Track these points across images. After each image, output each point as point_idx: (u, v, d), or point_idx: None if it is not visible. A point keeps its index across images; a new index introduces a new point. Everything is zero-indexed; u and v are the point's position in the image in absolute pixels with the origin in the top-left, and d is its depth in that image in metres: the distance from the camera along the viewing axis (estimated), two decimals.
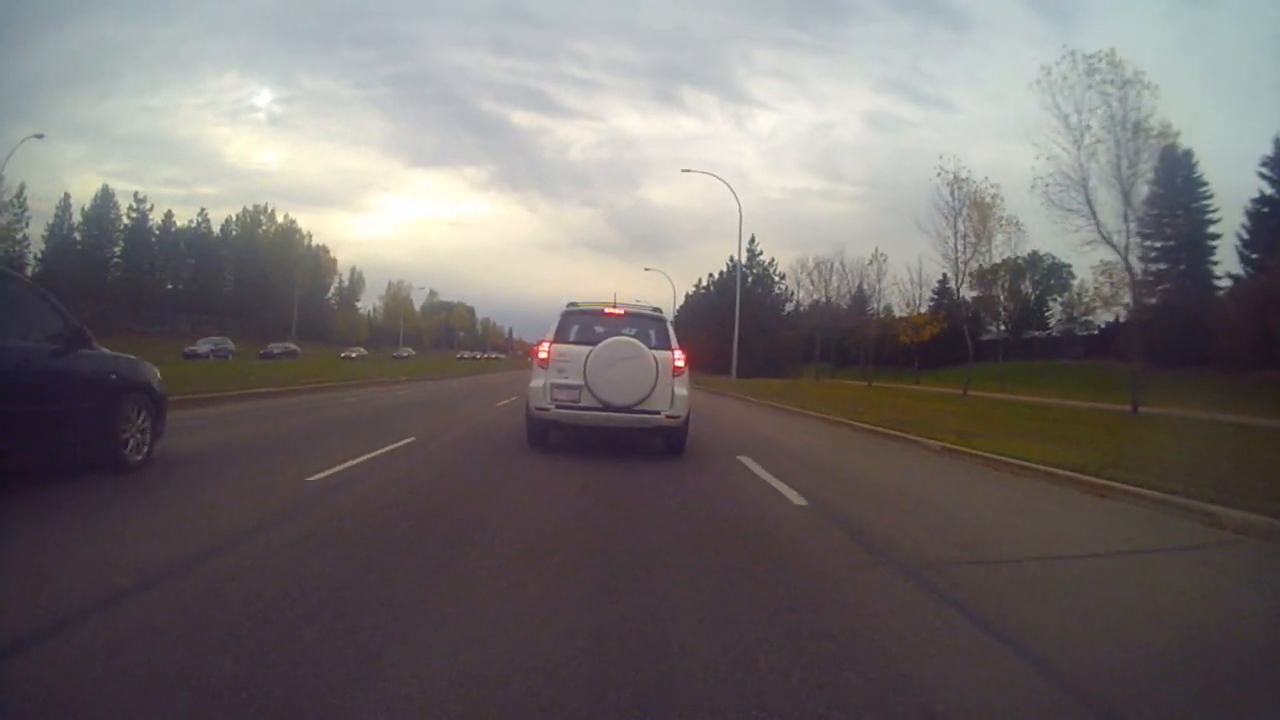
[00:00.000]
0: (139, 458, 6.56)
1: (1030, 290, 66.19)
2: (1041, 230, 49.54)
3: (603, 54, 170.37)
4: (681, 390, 8.80)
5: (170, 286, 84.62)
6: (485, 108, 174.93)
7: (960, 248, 33.72)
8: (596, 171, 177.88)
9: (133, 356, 7.06)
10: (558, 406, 8.66)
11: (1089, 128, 22.27)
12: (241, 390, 16.47)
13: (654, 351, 8.64)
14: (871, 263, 53.12)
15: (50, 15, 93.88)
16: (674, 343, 9.19)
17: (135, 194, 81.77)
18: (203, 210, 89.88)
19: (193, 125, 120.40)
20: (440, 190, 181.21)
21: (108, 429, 6.21)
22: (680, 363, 8.94)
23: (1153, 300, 40.23)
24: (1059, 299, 71.27)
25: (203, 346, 49.55)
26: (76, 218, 76.52)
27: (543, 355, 8.95)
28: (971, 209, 32.45)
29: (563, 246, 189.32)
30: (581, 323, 9.46)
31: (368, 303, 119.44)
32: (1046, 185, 23.68)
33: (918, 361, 50.27)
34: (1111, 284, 27.15)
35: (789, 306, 68.91)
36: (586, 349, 8.61)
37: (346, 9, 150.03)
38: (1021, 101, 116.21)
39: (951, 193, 33.74)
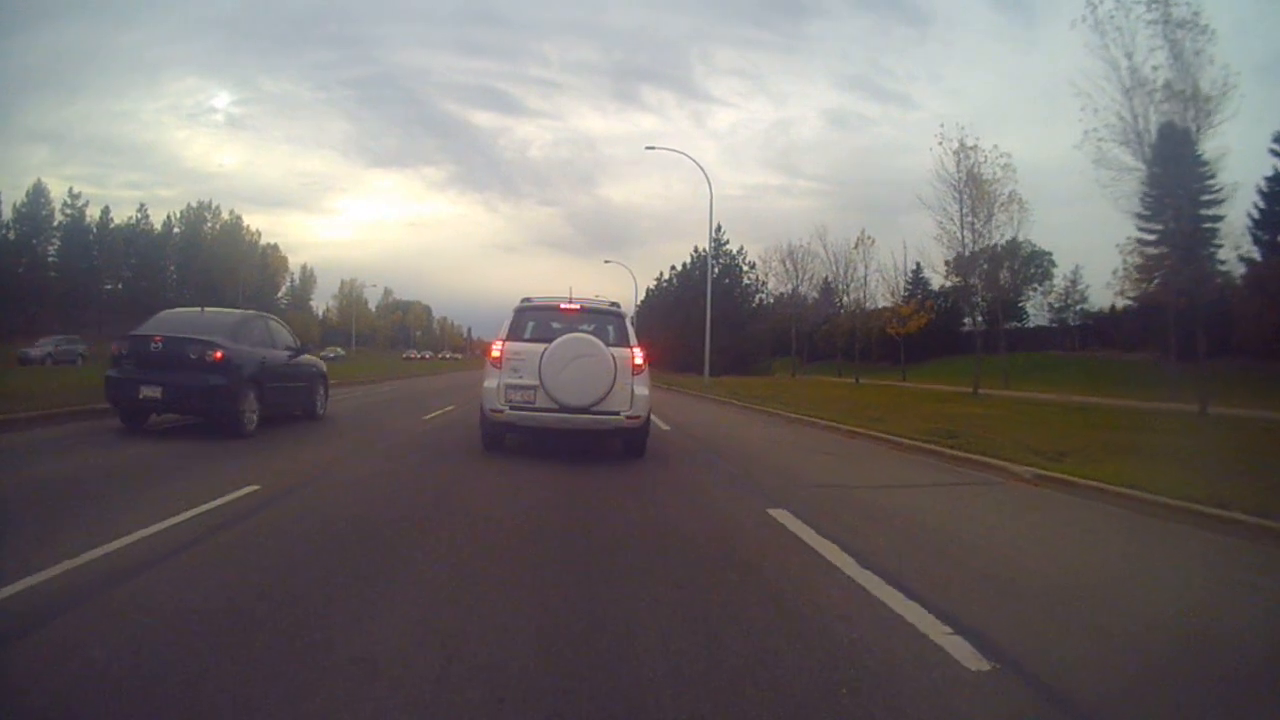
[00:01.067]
0: (322, 412, 12.95)
1: (1008, 279, 65.15)
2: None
3: (564, 54, 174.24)
4: (641, 389, 8.59)
5: (109, 286, 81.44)
6: (446, 108, 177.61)
7: (964, 227, 29.81)
8: (556, 171, 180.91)
9: (319, 359, 14.07)
10: (512, 408, 8.41)
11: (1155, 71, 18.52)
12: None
13: (611, 349, 8.41)
14: (857, 246, 48.85)
15: (10, 21, 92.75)
16: (633, 339, 9.01)
17: (70, 189, 78.59)
18: (142, 206, 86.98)
19: (153, 129, 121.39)
20: (399, 191, 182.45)
21: (311, 396, 12.57)
22: (639, 360, 8.70)
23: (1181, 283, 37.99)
24: (1038, 288, 70.52)
25: (40, 349, 38.66)
26: (8, 213, 72.96)
27: (495, 354, 8.68)
28: (969, 184, 29.19)
29: (523, 245, 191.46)
30: (536, 319, 9.30)
31: (322, 302, 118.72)
32: (1099, 139, 19.61)
33: (904, 355, 48.12)
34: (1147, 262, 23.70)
35: (758, 298, 66.58)
36: (541, 347, 8.39)
37: (309, 12, 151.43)
38: (980, 95, 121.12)
39: (957, 163, 29.38)
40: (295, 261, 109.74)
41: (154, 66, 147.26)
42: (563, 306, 9.33)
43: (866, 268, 48.07)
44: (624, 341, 8.89)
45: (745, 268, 67.05)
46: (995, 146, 31.84)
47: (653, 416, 9.78)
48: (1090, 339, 57.41)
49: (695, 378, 36.18)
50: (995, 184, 29.03)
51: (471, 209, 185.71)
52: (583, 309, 9.36)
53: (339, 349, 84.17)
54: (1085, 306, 62.96)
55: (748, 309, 64.39)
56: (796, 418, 16.16)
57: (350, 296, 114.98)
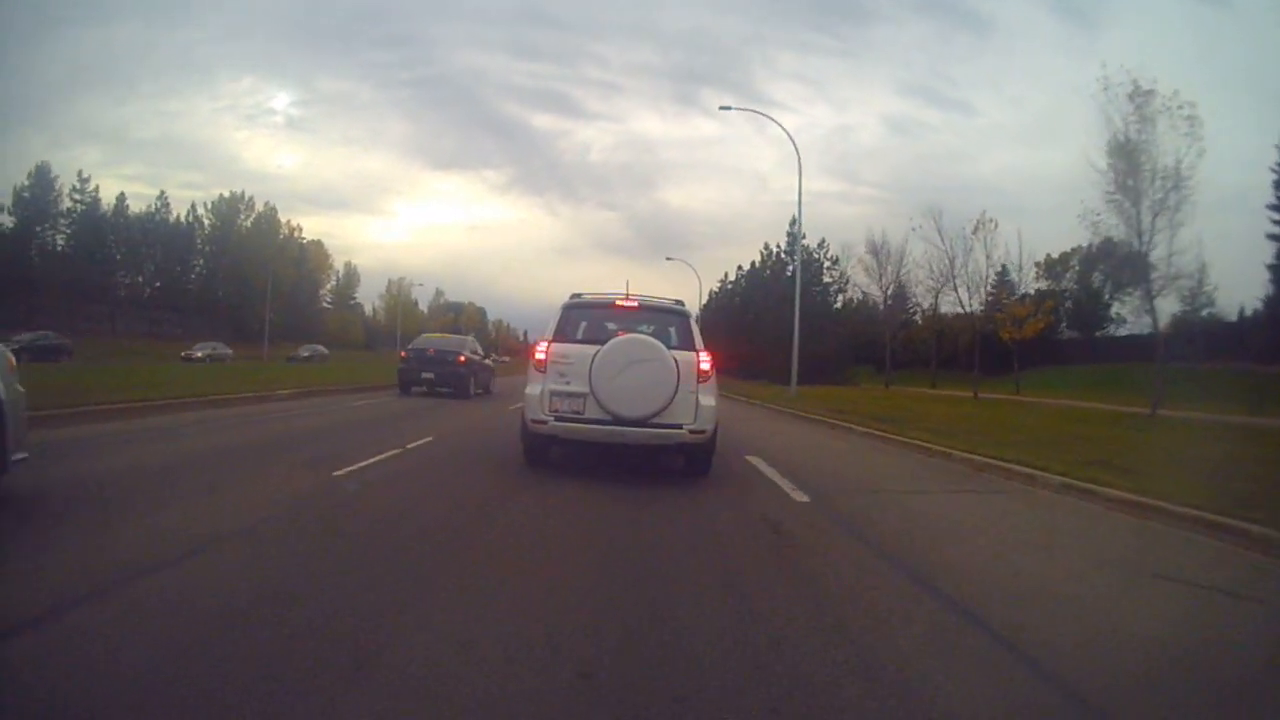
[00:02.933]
0: (479, 392, 21.50)
1: (1100, 282, 58.53)
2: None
3: (623, 57, 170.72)
4: (708, 399, 7.60)
5: (125, 278, 78.16)
6: (505, 110, 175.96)
7: (1149, 193, 21.43)
8: (615, 174, 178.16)
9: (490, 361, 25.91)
10: (557, 419, 7.52)
11: None
12: None
13: (674, 352, 7.46)
14: (977, 230, 39.00)
15: (64, 20, 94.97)
16: (698, 342, 8.04)
17: (79, 173, 74.43)
18: (162, 194, 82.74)
19: (211, 129, 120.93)
20: (459, 193, 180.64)
21: (483, 382, 22.43)
22: (706, 366, 7.68)
23: None
24: (1133, 293, 64.32)
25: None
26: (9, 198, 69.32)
27: (539, 356, 7.80)
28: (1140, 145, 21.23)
29: (581, 249, 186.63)
30: (588, 317, 8.86)
31: (369, 302, 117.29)
32: None
33: (1017, 363, 40.83)
34: None
35: (839, 298, 59.39)
36: (593, 349, 7.47)
37: (367, 12, 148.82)
38: (1042, 104, 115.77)
39: (1139, 112, 21.44)
40: (355, 262, 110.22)
41: (210, 66, 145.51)
42: (618, 303, 8.59)
43: (989, 257, 39.04)
44: (688, 344, 7.98)
45: (825, 262, 58.28)
46: (1176, 91, 21.48)
47: (762, 466, 8.99)
48: (1219, 348, 50.03)
49: (768, 387, 31.20)
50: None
51: (532, 212, 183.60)
52: (641, 307, 8.65)
53: (319, 347, 70.31)
54: (1214, 310, 56.20)
55: (829, 310, 56.40)
56: (974, 457, 10.14)
57: (398, 296, 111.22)
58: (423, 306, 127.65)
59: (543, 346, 7.85)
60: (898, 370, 60.65)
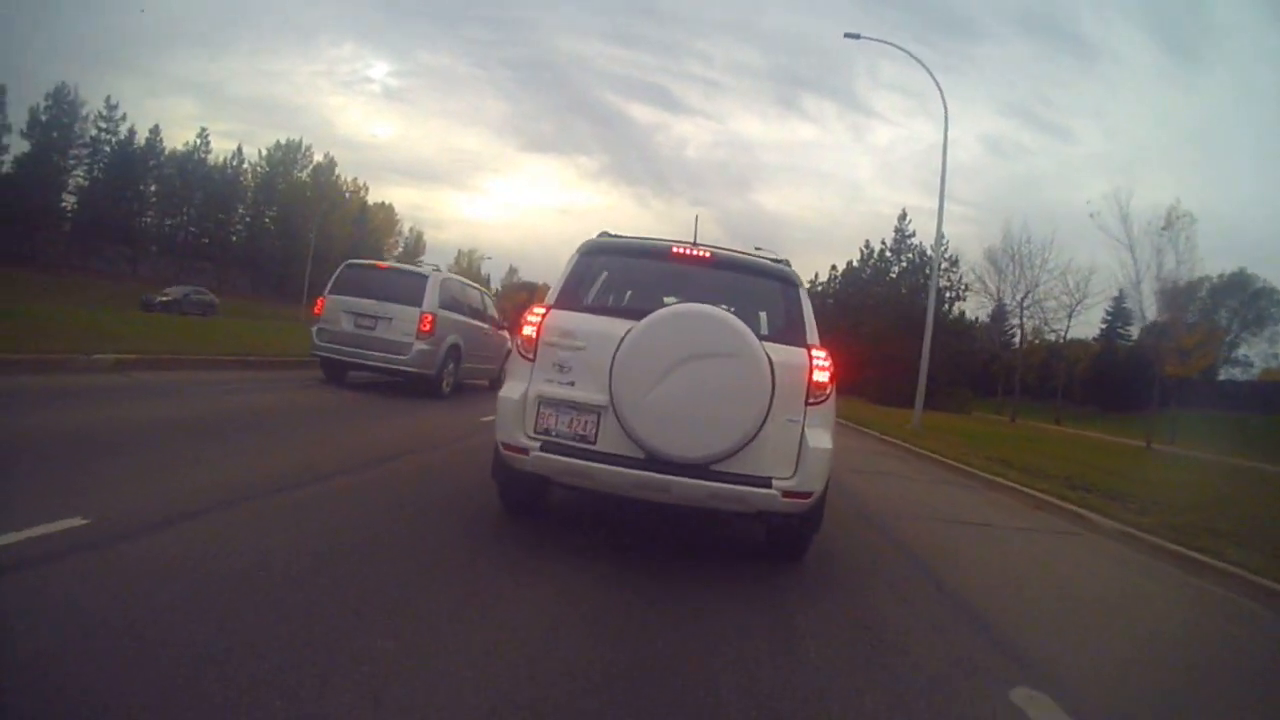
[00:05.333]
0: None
1: (1228, 320, 51.44)
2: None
3: (726, 55, 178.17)
4: (821, 435, 4.54)
5: (151, 221, 74.77)
6: (603, 98, 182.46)
7: None
8: (711, 171, 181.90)
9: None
10: (547, 445, 4.50)
11: None
12: None
13: (768, 345, 4.43)
14: (1167, 226, 29.27)
15: None
16: (812, 333, 4.85)
17: (107, 99, 71.05)
18: (203, 131, 79.85)
19: (306, 93, 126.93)
20: (551, 177, 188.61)
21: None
22: (823, 375, 4.62)
23: None
24: (1260, 334, 58.58)
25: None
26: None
27: (528, 331, 4.78)
28: None
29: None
30: (621, 272, 5.75)
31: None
32: None
33: (1106, 400, 34.90)
34: None
35: (958, 309, 52.38)
36: (621, 325, 4.51)
37: None
38: (1140, 134, 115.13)
39: None
40: (437, 235, 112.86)
41: (310, 29, 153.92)
42: (677, 252, 5.12)
43: (1179, 260, 29.22)
44: (794, 335, 4.78)
45: (945, 263, 48.63)
46: None
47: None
48: None
49: (873, 408, 25.36)
50: None
51: (623, 201, 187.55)
52: (716, 261, 5.12)
53: (202, 290, 48.03)
54: None
55: (950, 323, 48.39)
56: None
57: (467, 269, 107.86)
58: (496, 284, 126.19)
59: (536, 315, 4.81)
60: (995, 397, 54.58)
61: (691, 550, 5.35)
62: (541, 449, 4.49)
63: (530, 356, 4.69)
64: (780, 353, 4.52)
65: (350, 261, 12.54)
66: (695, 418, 4.29)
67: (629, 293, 5.91)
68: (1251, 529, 8.55)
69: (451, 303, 12.32)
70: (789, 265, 5.51)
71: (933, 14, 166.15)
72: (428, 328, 11.33)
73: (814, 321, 4.98)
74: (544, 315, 4.77)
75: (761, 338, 4.53)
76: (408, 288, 11.62)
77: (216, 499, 4.51)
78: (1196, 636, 5.19)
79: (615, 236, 5.58)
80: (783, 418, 4.46)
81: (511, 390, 4.69)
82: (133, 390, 8.69)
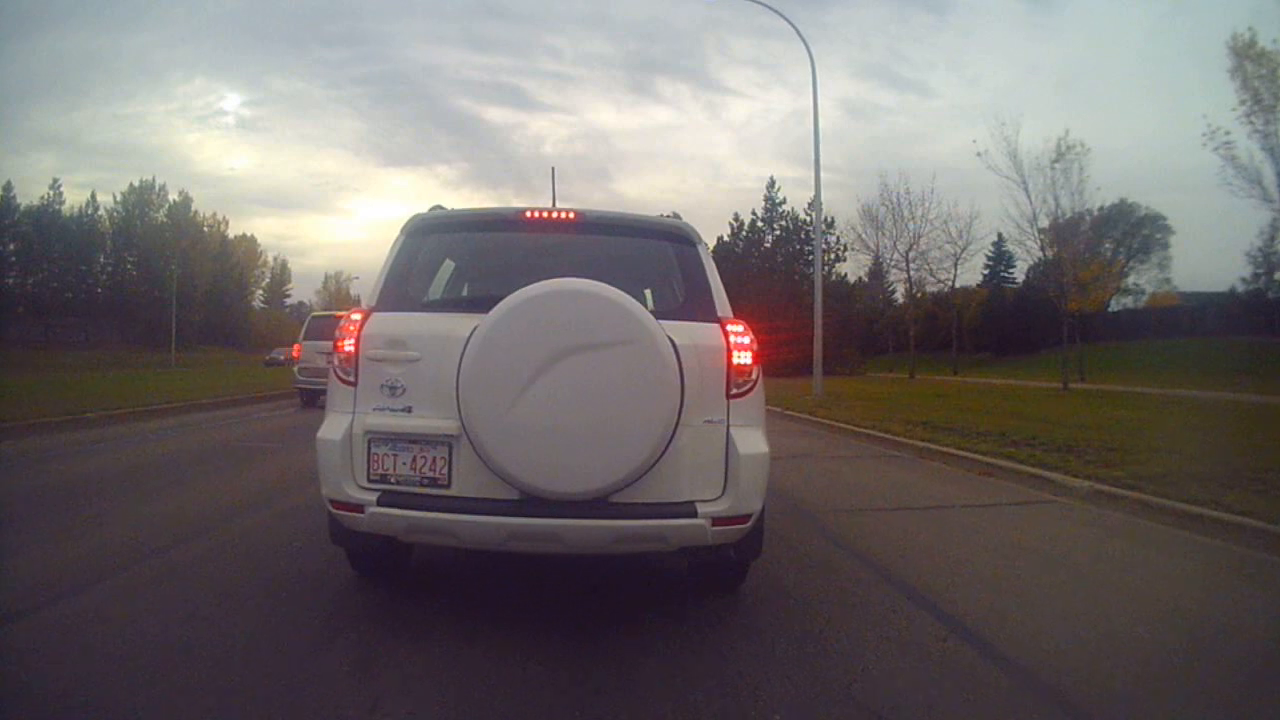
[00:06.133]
0: None
1: (1113, 250, 53.08)
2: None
3: (576, 47, 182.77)
4: (753, 439, 3.54)
5: (13, 280, 69.77)
6: (458, 104, 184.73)
7: None
8: (570, 166, 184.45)
9: None
10: (385, 497, 3.43)
11: None
12: None
13: (668, 325, 3.42)
14: (1058, 159, 27.49)
15: (14, 26, 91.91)
16: (722, 303, 3.85)
17: None
18: (55, 182, 75.79)
19: (163, 133, 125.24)
20: (413, 189, 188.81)
21: None
22: (745, 357, 3.61)
23: None
24: (1144, 260, 61.16)
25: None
26: None
27: (347, 345, 3.67)
28: None
29: None
30: (459, 251, 4.45)
31: (306, 298, 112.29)
32: None
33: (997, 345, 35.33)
34: None
35: (837, 270, 51.07)
36: (467, 322, 3.45)
37: (317, 10, 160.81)
38: (1001, 84, 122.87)
39: None
40: (304, 262, 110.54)
41: (161, 69, 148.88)
42: (530, 215, 4.02)
43: (1073, 192, 27.82)
44: (699, 307, 3.78)
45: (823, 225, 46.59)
46: None
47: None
48: (1231, 321, 46.49)
49: (798, 381, 23.78)
50: None
51: (486, 205, 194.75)
52: (584, 223, 4.04)
53: None
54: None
55: (833, 285, 46.70)
56: None
57: (335, 293, 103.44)
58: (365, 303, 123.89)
59: (352, 323, 3.67)
60: (885, 355, 55.16)
61: (597, 589, 4.27)
62: (379, 503, 3.40)
63: (350, 379, 3.59)
64: (685, 333, 3.51)
65: (314, 314, 13.58)
66: (579, 435, 3.24)
67: (473, 278, 4.62)
68: (1236, 469, 7.41)
69: None
70: (681, 219, 4.38)
71: None
72: None
73: (722, 289, 3.94)
74: (362, 320, 3.66)
75: (657, 315, 3.45)
76: None
77: None
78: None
79: (445, 210, 4.33)
80: (699, 419, 3.48)
81: (331, 428, 3.55)
82: None
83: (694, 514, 3.35)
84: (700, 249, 4.07)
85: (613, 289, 3.36)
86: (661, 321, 3.38)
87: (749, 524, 3.49)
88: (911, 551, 4.99)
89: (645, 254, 4.27)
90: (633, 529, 3.35)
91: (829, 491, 7.26)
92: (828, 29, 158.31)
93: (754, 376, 3.66)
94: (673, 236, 4.13)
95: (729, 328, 3.66)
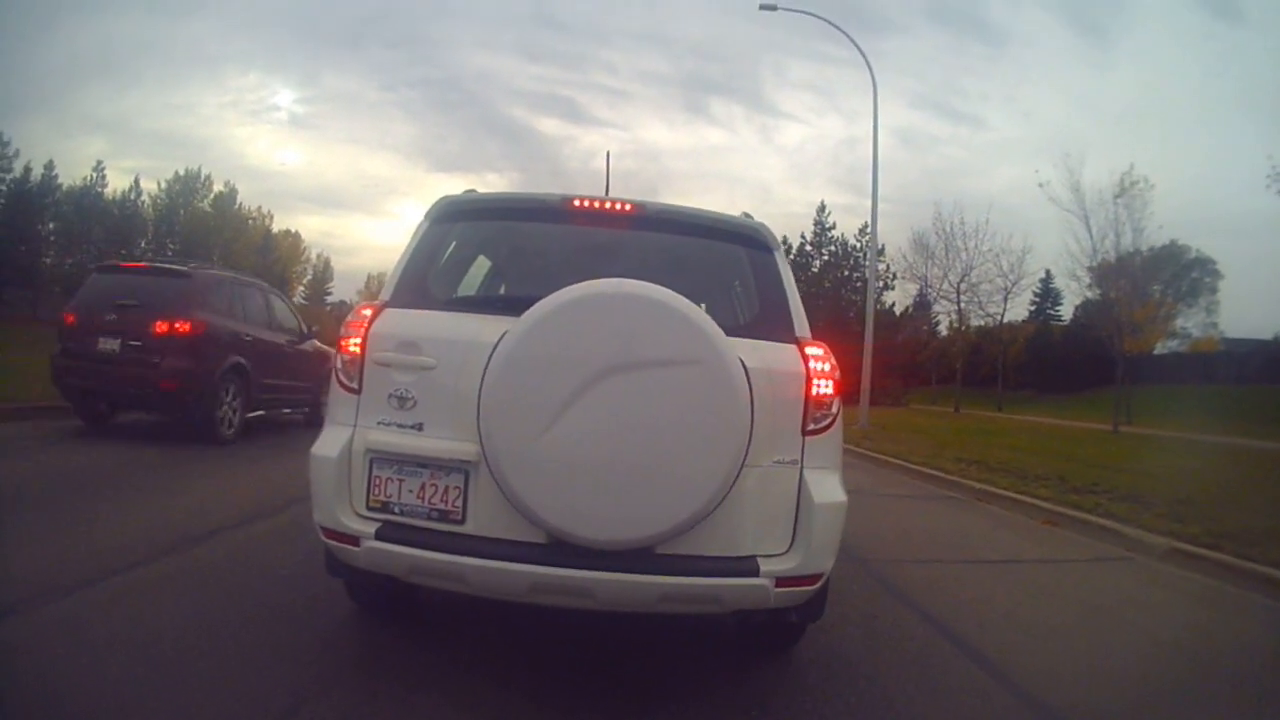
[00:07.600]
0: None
1: (1161, 293, 51.96)
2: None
3: (632, 63, 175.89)
4: (829, 485, 3.02)
5: (50, 259, 70.49)
6: (511, 113, 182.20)
7: None
8: (620, 181, 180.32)
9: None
10: (385, 533, 2.87)
11: None
12: None
13: (739, 341, 2.90)
14: (1121, 194, 26.67)
15: (71, 7, 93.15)
16: (800, 321, 3.28)
17: None
18: (99, 165, 75.54)
19: (214, 125, 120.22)
20: None
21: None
22: (826, 386, 3.06)
23: None
24: (1192, 304, 59.61)
25: None
26: None
27: (351, 343, 3.09)
28: None
29: None
30: (490, 243, 3.96)
31: (347, 296, 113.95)
32: None
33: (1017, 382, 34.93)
34: None
35: (888, 300, 50.75)
36: (495, 325, 2.91)
37: (374, 11, 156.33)
38: (1056, 119, 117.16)
39: None
40: (355, 264, 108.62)
41: (215, 61, 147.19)
42: (577, 204, 3.38)
43: (1134, 229, 26.95)
44: (775, 324, 3.22)
45: (858, 254, 48.24)
46: None
47: None
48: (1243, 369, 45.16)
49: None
50: None
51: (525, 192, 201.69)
52: (640, 214, 3.39)
53: None
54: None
55: (881, 313, 48.27)
56: None
57: (377, 292, 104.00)
58: None
59: (360, 320, 3.11)
60: (926, 387, 54.21)
61: (631, 647, 3.71)
62: (378, 536, 2.88)
63: (354, 385, 3.08)
64: (757, 354, 2.99)
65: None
66: (624, 471, 2.71)
67: (505, 275, 4.12)
68: None
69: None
70: (752, 218, 3.71)
71: (840, 9, 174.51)
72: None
73: (801, 305, 3.39)
74: (372, 316, 3.13)
75: (725, 329, 2.91)
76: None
77: None
78: None
79: (478, 195, 3.72)
80: (768, 459, 2.95)
81: (327, 443, 3.06)
82: None
83: (755, 572, 2.86)
84: (778, 256, 3.57)
85: (676, 295, 2.84)
86: (731, 338, 2.91)
87: (818, 585, 3.01)
88: (991, 617, 4.59)
89: (714, 258, 3.71)
90: (681, 588, 2.84)
91: (886, 536, 6.84)
92: (884, 57, 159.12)
93: (834, 410, 3.15)
94: (747, 239, 3.59)
95: (809, 350, 3.15)
